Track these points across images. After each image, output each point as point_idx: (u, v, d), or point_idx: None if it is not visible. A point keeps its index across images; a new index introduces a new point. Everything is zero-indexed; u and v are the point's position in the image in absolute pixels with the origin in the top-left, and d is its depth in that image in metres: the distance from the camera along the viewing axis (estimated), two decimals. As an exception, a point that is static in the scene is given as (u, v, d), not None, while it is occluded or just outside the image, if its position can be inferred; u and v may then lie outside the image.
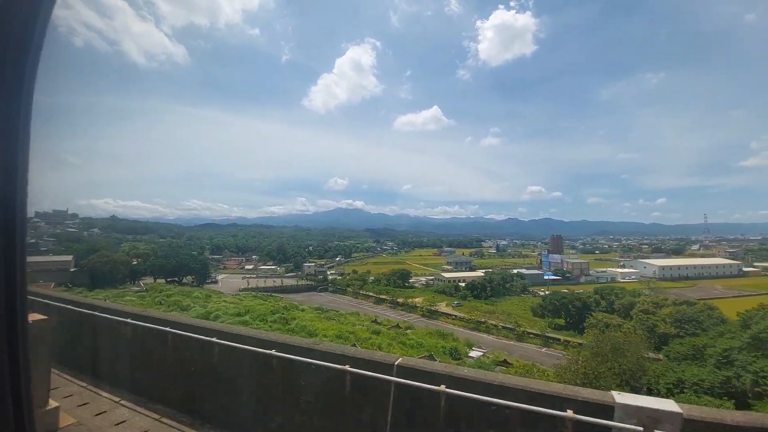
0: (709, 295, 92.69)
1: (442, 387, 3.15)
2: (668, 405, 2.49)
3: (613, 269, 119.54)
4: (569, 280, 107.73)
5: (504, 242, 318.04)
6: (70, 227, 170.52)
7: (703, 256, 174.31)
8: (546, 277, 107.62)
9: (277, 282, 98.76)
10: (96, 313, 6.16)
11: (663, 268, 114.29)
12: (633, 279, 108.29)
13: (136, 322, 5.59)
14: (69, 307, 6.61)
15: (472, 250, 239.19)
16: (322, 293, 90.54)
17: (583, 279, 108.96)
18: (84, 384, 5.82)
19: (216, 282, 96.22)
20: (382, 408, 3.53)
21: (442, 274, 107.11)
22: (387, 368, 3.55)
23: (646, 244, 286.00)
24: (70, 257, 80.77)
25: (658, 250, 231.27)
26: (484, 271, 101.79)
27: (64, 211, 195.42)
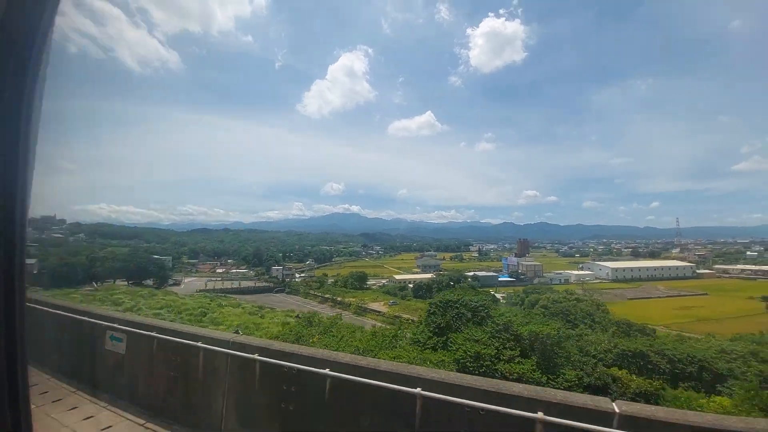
0: (649, 295, 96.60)
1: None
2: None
3: (570, 271, 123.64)
4: (522, 281, 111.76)
5: (493, 246, 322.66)
6: (56, 233, 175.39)
7: (675, 258, 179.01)
8: (500, 279, 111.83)
9: (241, 285, 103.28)
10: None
11: (615, 270, 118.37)
12: (587, 280, 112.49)
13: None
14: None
15: (453, 254, 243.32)
16: (277, 294, 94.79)
17: (536, 280, 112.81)
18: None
19: (179, 284, 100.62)
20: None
21: (395, 276, 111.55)
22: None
23: (631, 247, 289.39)
24: (34, 260, 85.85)
25: (635, 253, 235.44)
26: (436, 273, 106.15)
27: (52, 217, 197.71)
